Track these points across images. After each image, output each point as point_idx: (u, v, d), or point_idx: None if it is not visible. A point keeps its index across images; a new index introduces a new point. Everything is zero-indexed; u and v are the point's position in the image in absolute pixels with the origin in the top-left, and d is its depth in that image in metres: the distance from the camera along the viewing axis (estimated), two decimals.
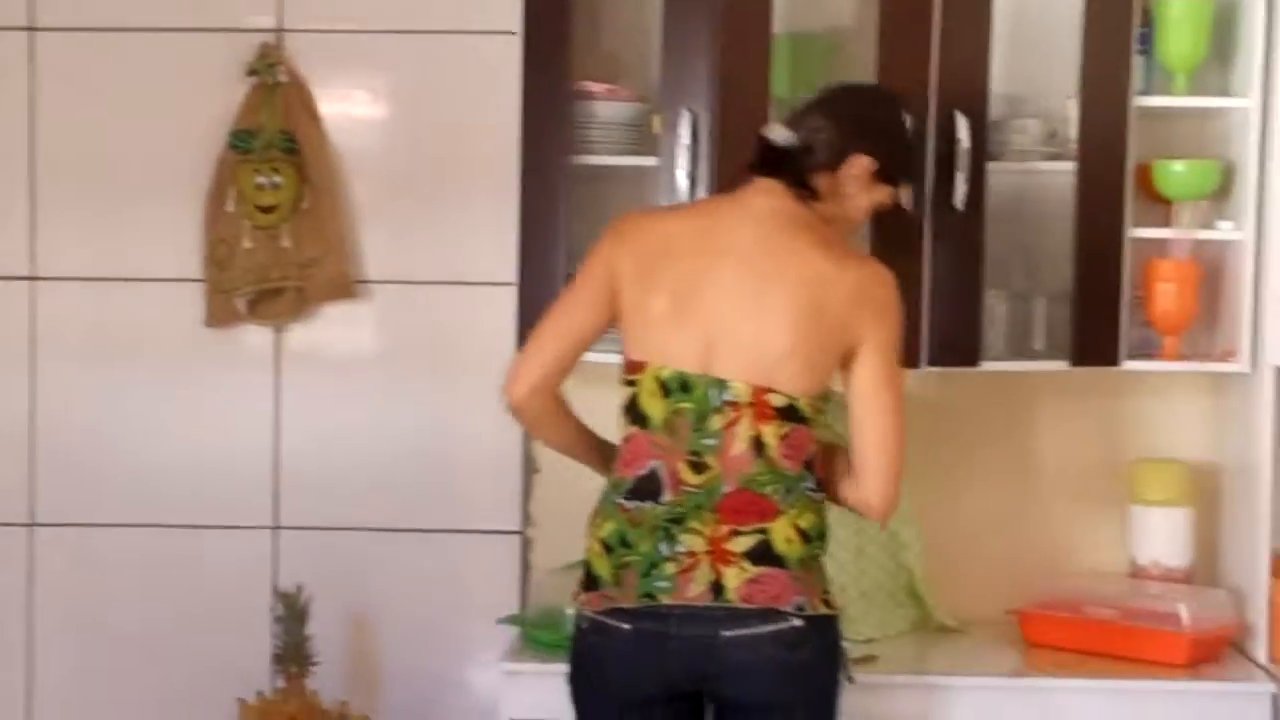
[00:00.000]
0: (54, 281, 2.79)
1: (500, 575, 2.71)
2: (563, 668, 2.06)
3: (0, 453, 2.79)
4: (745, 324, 1.83)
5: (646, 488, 1.85)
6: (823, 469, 1.91)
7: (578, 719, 1.96)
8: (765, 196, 1.91)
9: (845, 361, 1.87)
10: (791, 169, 1.92)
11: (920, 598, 2.67)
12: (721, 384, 1.80)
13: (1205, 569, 2.81)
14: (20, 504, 2.81)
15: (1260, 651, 2.53)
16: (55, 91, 2.81)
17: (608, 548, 1.84)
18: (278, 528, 2.79)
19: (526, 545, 2.63)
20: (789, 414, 1.80)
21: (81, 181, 2.81)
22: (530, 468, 2.61)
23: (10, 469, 2.78)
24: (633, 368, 1.86)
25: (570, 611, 2.05)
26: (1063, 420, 2.93)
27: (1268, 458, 2.55)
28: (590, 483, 2.33)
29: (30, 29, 2.74)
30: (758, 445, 1.81)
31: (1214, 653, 2.52)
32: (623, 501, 1.86)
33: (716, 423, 1.80)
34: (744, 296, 1.84)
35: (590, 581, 1.87)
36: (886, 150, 2.02)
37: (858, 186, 1.97)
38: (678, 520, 1.81)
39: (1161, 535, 2.74)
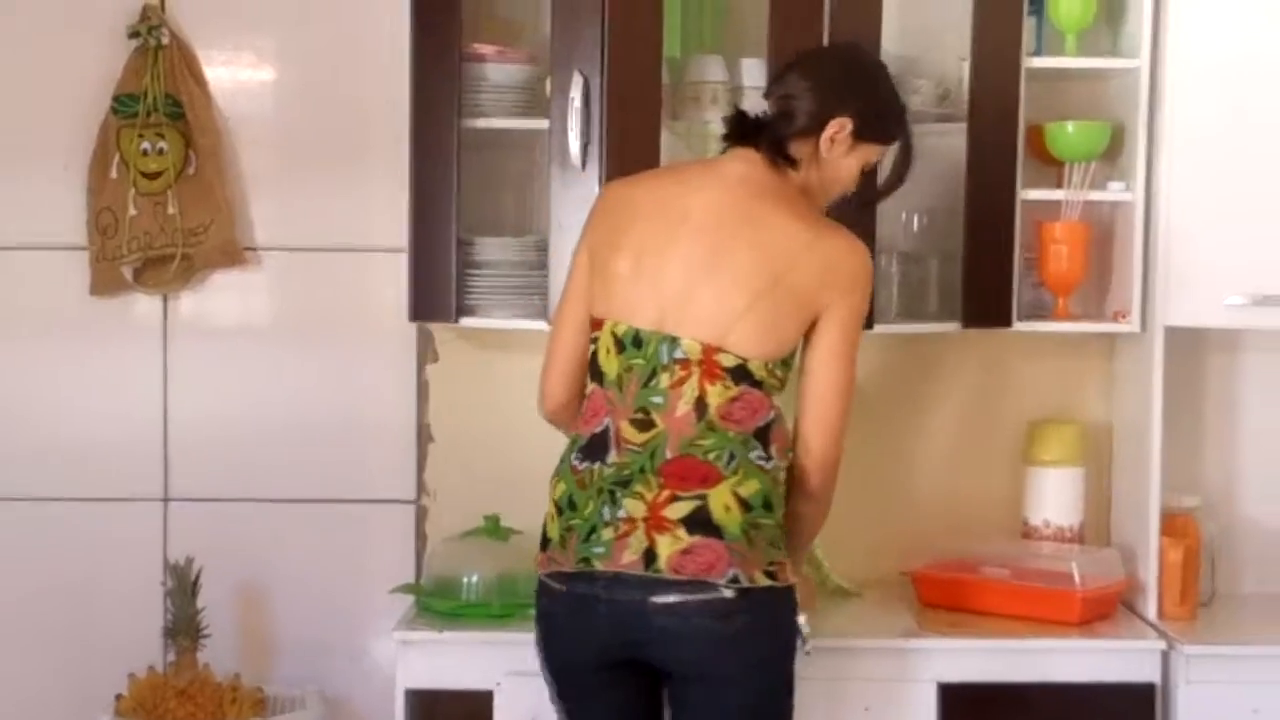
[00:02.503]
0: None
1: (395, 545, 2.54)
2: (459, 637, 2.08)
3: None
4: (702, 286, 1.76)
5: (597, 445, 1.77)
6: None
7: (547, 684, 1.87)
8: (739, 163, 1.84)
9: (808, 330, 1.79)
10: (770, 137, 1.82)
11: (817, 563, 2.51)
12: (673, 341, 1.74)
13: (1097, 528, 2.73)
14: None
15: (1150, 609, 2.46)
16: None
17: (559, 509, 1.80)
18: (167, 499, 2.60)
19: (421, 515, 2.47)
20: (739, 375, 1.71)
21: None
22: (425, 437, 2.44)
23: None
24: (595, 324, 1.82)
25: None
26: (956, 382, 2.81)
27: (1158, 418, 2.47)
28: (484, 453, 2.27)
29: None
30: (700, 406, 1.71)
31: (1105, 610, 2.45)
32: (574, 463, 1.80)
33: (664, 380, 1.74)
34: (703, 259, 1.76)
35: (544, 543, 1.82)
36: (867, 109, 1.91)
37: (842, 149, 1.88)
38: (624, 484, 1.72)
39: (1054, 495, 2.66)
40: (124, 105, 2.46)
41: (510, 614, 2.39)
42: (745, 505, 1.72)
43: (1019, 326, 2.53)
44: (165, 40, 2.45)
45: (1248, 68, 2.44)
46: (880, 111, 1.95)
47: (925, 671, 2.31)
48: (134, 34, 2.44)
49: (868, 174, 2.02)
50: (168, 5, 2.51)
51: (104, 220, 2.49)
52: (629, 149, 2.40)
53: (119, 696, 2.37)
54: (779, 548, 1.83)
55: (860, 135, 1.88)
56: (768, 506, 1.78)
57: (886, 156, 2.02)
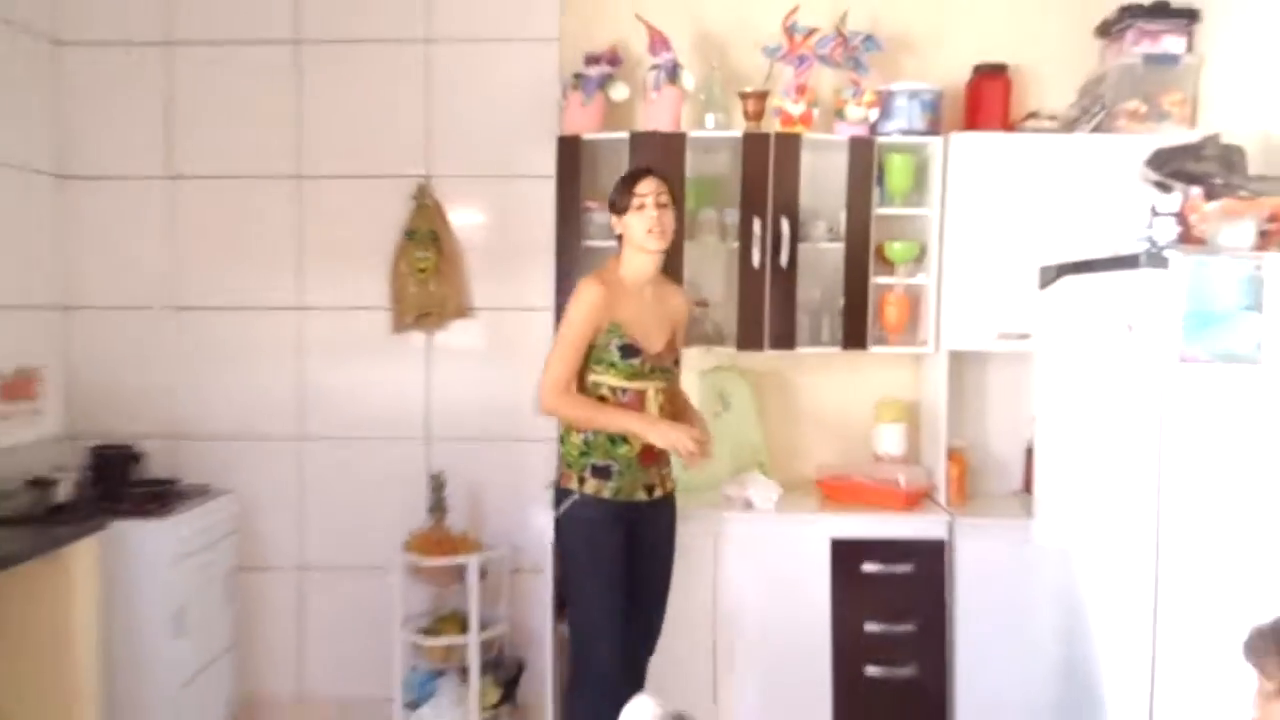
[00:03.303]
0: (315, 310, 3.48)
1: (544, 464, 3.21)
2: None
3: (278, 421, 3.44)
4: None
5: None
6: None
7: None
8: None
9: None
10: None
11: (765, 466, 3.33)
12: None
13: (913, 456, 3.44)
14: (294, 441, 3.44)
15: (941, 499, 3.23)
16: (316, 219, 3.46)
17: None
18: (428, 439, 3.48)
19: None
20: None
21: (331, 251, 3.47)
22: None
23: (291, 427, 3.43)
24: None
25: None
26: (840, 378, 3.55)
27: (943, 397, 3.22)
28: None
29: (299, 176, 3.45)
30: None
31: (918, 501, 3.23)
32: None
33: None
34: None
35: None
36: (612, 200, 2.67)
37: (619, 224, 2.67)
38: None
39: (890, 438, 3.41)
40: (409, 234, 3.42)
41: None
42: (561, 441, 2.69)
43: (872, 349, 3.28)
44: (429, 202, 3.42)
45: (990, 216, 3.14)
46: (612, 195, 2.68)
47: (824, 531, 3.08)
48: (414, 197, 3.43)
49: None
50: (431, 183, 3.43)
51: (398, 293, 3.44)
52: (666, 257, 2.86)
53: (406, 541, 3.27)
54: (572, 461, 2.67)
55: (612, 210, 2.66)
56: (564, 441, 2.69)
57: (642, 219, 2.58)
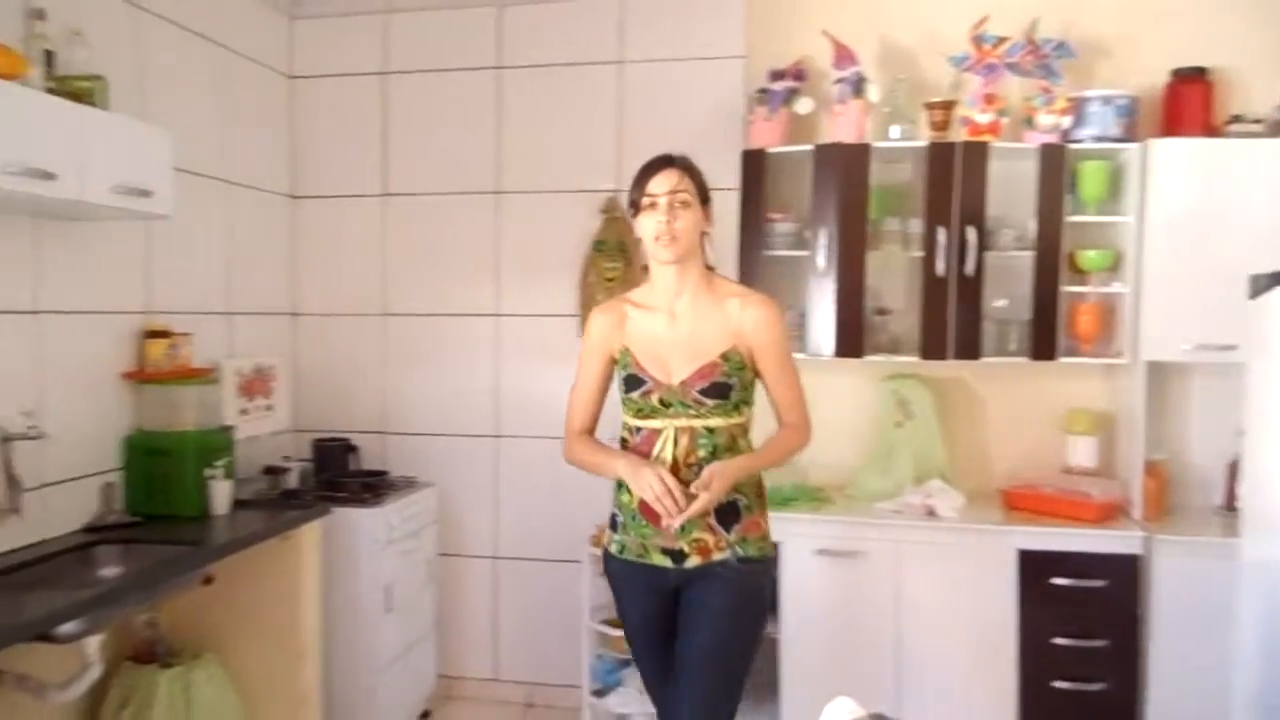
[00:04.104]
0: (510, 317, 3.68)
1: None
2: None
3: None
4: None
5: None
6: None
7: None
8: None
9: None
10: None
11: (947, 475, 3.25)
12: None
13: (1106, 469, 3.34)
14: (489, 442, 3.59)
15: (1137, 514, 3.15)
16: (512, 232, 3.65)
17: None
18: (614, 439, 3.74)
19: None
20: None
21: (525, 262, 3.66)
22: None
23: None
24: None
25: None
26: (1025, 388, 3.47)
27: (1141, 409, 3.13)
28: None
29: (497, 192, 3.64)
30: None
31: (1111, 515, 3.12)
32: None
33: None
34: None
35: None
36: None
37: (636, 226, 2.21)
38: None
39: (1083, 450, 3.33)
40: (599, 245, 3.60)
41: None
42: None
43: (1062, 360, 3.21)
44: (617, 214, 3.57)
45: (1192, 223, 3.05)
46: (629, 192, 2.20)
47: (1011, 542, 3.03)
48: (604, 210, 3.60)
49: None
50: (621, 198, 3.47)
51: (586, 301, 3.57)
52: (847, 266, 3.20)
53: (593, 536, 3.33)
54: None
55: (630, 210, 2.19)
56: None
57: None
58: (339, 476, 3.55)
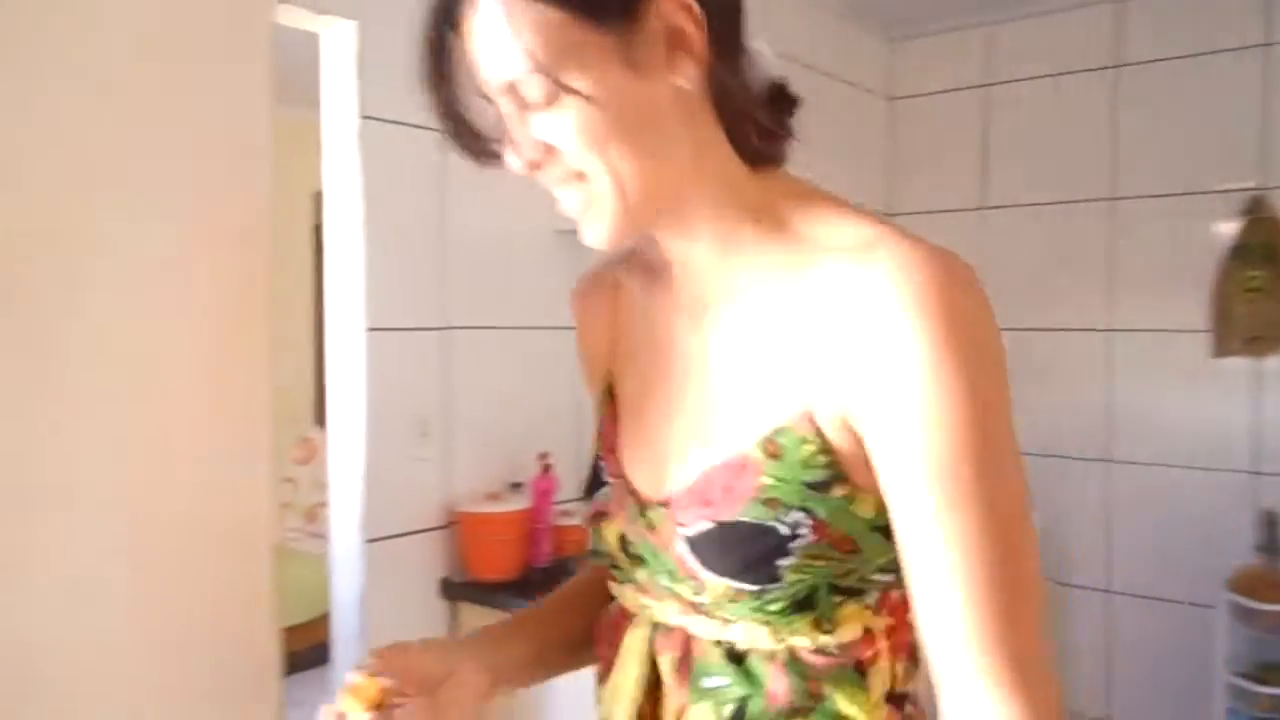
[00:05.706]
0: (1124, 332, 3.41)
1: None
2: None
3: None
4: None
5: None
6: None
7: None
8: None
9: None
10: None
11: None
12: None
13: None
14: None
15: None
16: (1128, 240, 3.42)
17: None
18: (1256, 473, 3.22)
19: None
20: None
21: (1142, 272, 3.37)
22: None
23: None
24: None
25: None
26: None
27: None
28: None
29: (1112, 199, 3.45)
30: None
31: None
32: None
33: None
34: None
35: None
36: None
37: None
38: None
39: None
40: (1238, 251, 3.17)
41: None
42: None
43: None
44: (1265, 215, 3.10)
45: None
46: None
47: None
48: (1245, 212, 3.14)
49: None
50: (1270, 197, 3.15)
51: (1221, 314, 3.18)
52: None
53: (1230, 579, 2.99)
54: None
55: None
56: None
57: None
58: None
